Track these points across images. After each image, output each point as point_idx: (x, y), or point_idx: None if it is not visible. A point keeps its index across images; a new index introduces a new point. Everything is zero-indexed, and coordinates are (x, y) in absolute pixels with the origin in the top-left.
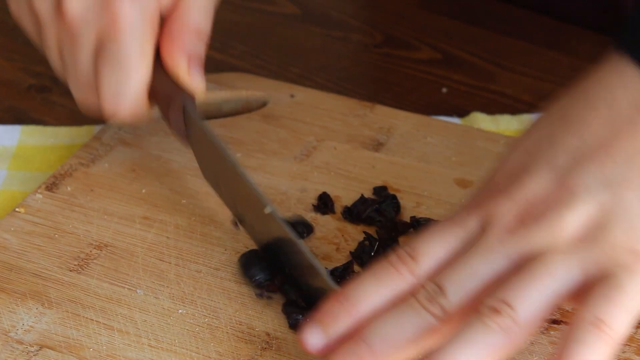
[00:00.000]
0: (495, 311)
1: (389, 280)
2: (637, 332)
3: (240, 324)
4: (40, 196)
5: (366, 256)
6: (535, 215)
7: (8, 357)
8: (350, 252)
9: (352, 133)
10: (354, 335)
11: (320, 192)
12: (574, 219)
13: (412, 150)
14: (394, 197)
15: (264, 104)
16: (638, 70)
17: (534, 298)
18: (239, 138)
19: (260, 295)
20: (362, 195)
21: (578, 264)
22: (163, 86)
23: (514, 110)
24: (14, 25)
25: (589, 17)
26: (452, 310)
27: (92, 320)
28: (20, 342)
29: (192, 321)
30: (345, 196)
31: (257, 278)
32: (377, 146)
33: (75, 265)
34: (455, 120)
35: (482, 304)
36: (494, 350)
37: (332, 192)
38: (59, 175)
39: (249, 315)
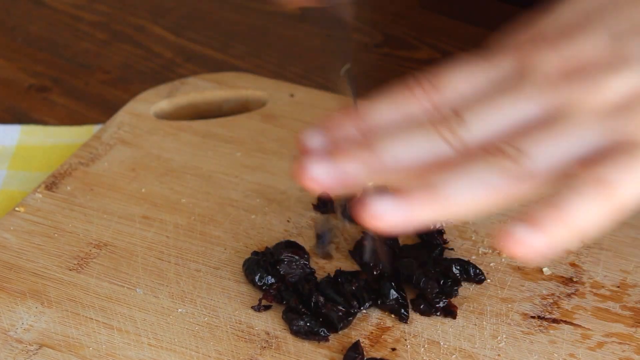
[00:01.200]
0: (504, 153)
1: (405, 103)
2: (636, 331)
3: (239, 323)
4: (40, 195)
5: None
6: (580, 73)
7: (7, 356)
8: (349, 251)
9: None
10: (358, 144)
11: (319, 192)
12: (618, 85)
13: None
14: None
15: (263, 104)
16: None
17: (549, 150)
18: (239, 137)
19: (257, 309)
20: None
21: (607, 129)
22: None
23: None
24: (14, 25)
25: None
26: (470, 143)
27: (92, 319)
28: (19, 341)
29: (191, 320)
30: (345, 196)
31: (262, 282)
32: None
33: (74, 264)
34: None
35: (492, 144)
36: (492, 191)
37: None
38: (59, 175)
39: (249, 314)
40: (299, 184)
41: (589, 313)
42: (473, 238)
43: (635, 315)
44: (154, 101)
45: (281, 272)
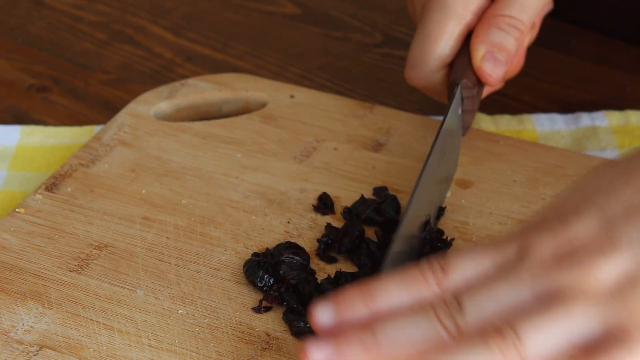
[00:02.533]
0: (501, 335)
1: (414, 285)
2: None
3: (240, 324)
4: (40, 196)
5: (364, 257)
6: (572, 257)
7: (8, 357)
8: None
9: (351, 133)
10: (362, 327)
11: (320, 193)
12: (608, 270)
13: (412, 151)
14: (394, 197)
15: (263, 105)
16: None
17: (544, 335)
18: (239, 138)
19: (257, 310)
20: (362, 195)
21: (600, 315)
22: (461, 64)
23: (514, 110)
24: (14, 25)
25: (590, 18)
26: (465, 329)
27: (92, 320)
28: (20, 342)
29: (192, 321)
30: (345, 196)
31: (263, 283)
32: (377, 147)
33: (75, 265)
34: None
35: (490, 324)
36: None
37: (332, 192)
38: (59, 176)
39: (249, 315)
40: None
41: None
42: (473, 239)
43: None
44: (154, 102)
45: (281, 273)
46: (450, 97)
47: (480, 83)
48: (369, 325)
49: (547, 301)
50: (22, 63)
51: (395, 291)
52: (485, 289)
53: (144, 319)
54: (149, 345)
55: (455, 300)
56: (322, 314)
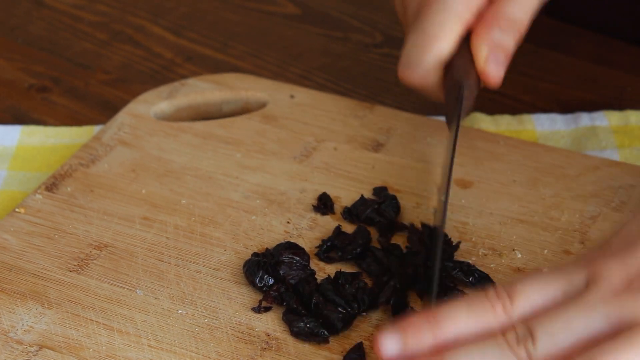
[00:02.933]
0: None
1: (481, 313)
2: None
3: (240, 325)
4: (40, 196)
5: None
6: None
7: (8, 358)
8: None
9: (351, 134)
10: (429, 356)
11: (320, 193)
12: None
13: (412, 151)
14: (394, 197)
15: (263, 105)
16: None
17: None
18: (239, 138)
19: (257, 310)
20: (362, 195)
21: None
22: (462, 64)
23: (514, 110)
24: (14, 25)
25: (590, 18)
26: (538, 359)
27: (92, 320)
28: (20, 343)
29: (191, 321)
30: (345, 196)
31: (262, 283)
32: (377, 147)
33: (75, 265)
34: None
35: (564, 356)
36: None
37: (332, 192)
38: (59, 176)
39: (249, 315)
40: None
41: None
42: (473, 239)
43: None
44: (154, 102)
45: (281, 274)
46: (453, 98)
47: (479, 83)
48: (438, 354)
49: (622, 330)
50: (22, 63)
51: (462, 319)
52: (556, 317)
53: (143, 319)
54: (148, 346)
55: (526, 329)
56: (389, 343)
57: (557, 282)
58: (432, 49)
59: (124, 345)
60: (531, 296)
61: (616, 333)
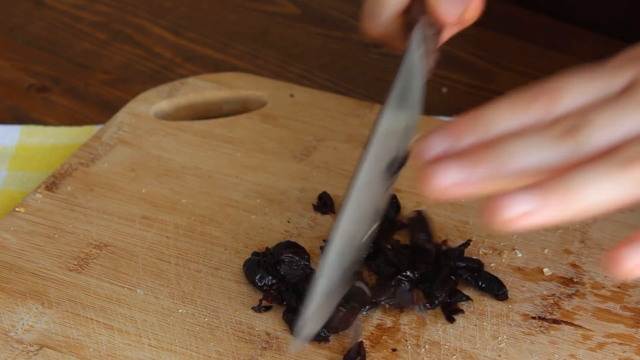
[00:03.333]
0: (575, 127)
1: (526, 108)
2: (637, 332)
3: (240, 324)
4: (40, 196)
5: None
6: None
7: (8, 357)
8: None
9: (351, 133)
10: (483, 147)
11: (320, 192)
12: None
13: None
14: (394, 196)
15: (263, 104)
16: None
17: (623, 124)
18: (239, 137)
19: (257, 309)
20: None
21: None
22: (418, 7)
23: None
24: (14, 25)
25: (589, 17)
26: (591, 150)
27: (92, 319)
28: (20, 342)
29: (192, 321)
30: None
31: (262, 282)
32: None
33: (75, 264)
34: None
35: (624, 149)
36: (623, 199)
37: (332, 191)
38: (59, 175)
39: (249, 314)
40: (424, 191)
41: (590, 314)
42: (473, 238)
43: (635, 316)
44: (154, 101)
45: (282, 273)
46: (410, 37)
47: (439, 27)
48: (490, 149)
49: None
50: (22, 63)
51: (506, 115)
52: (605, 111)
53: (143, 319)
54: (148, 345)
55: (574, 121)
56: (435, 144)
57: (603, 80)
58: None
59: (124, 345)
60: (577, 93)
61: None
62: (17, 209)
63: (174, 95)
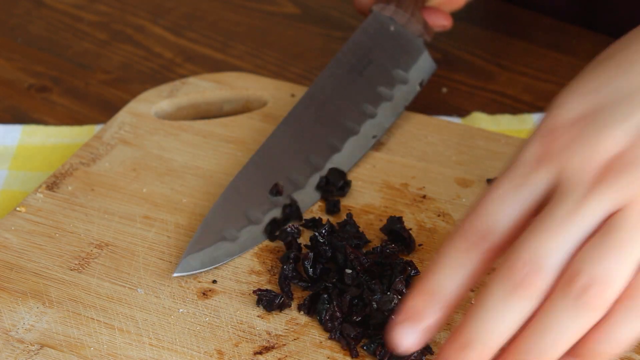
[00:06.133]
0: (587, 289)
1: (466, 264)
2: None
3: (241, 323)
4: (41, 195)
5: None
6: (618, 166)
7: (9, 356)
8: None
9: None
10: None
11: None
12: None
13: (413, 150)
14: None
15: (264, 104)
16: None
17: (626, 268)
18: (240, 137)
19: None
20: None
21: None
22: None
23: (514, 110)
24: (14, 25)
25: (589, 17)
26: (551, 281)
27: (93, 319)
28: (21, 341)
29: (192, 320)
30: (345, 196)
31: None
32: (378, 145)
33: (76, 264)
34: (455, 120)
35: (570, 282)
36: (583, 332)
37: None
38: (60, 175)
39: (250, 314)
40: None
41: None
42: None
43: None
44: (155, 101)
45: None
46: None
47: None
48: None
49: (610, 223)
50: (22, 63)
51: (454, 272)
52: (552, 235)
53: (144, 318)
54: (149, 344)
55: (530, 265)
56: (405, 339)
57: (523, 192)
58: None
59: (125, 344)
60: (501, 217)
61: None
62: (18, 209)
63: (175, 94)
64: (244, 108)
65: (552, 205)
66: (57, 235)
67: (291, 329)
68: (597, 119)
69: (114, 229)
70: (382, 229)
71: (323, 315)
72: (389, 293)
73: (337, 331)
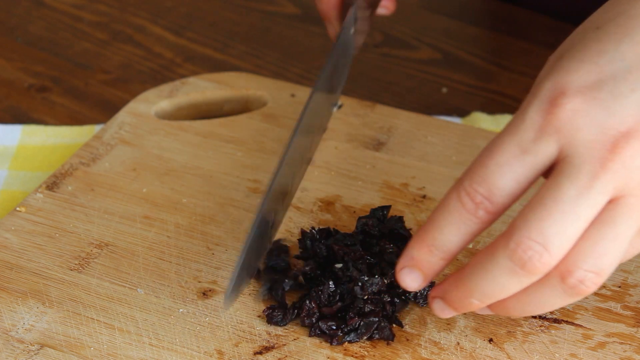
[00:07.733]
0: (581, 282)
1: (466, 223)
2: (638, 331)
3: (241, 323)
4: (41, 195)
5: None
6: (625, 142)
7: (9, 356)
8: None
9: (352, 132)
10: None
11: (320, 191)
12: None
13: (413, 150)
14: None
15: (264, 104)
16: None
17: (616, 254)
18: (240, 137)
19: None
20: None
21: None
22: None
23: (514, 110)
24: (14, 25)
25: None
26: (554, 264)
27: (93, 319)
28: (21, 341)
29: (193, 320)
30: (345, 196)
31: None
32: (378, 146)
33: (76, 264)
34: (455, 120)
35: (569, 270)
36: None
37: (333, 191)
38: (60, 175)
39: (250, 314)
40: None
41: (590, 313)
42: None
43: (636, 315)
44: (155, 101)
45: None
46: (344, 17)
47: (373, 4)
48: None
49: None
50: (22, 63)
51: (452, 232)
52: (558, 214)
53: (144, 318)
54: (149, 344)
55: (534, 242)
56: (412, 281)
57: (525, 161)
58: None
59: (125, 344)
60: (506, 187)
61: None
62: (18, 209)
63: (175, 94)
64: (244, 108)
65: (560, 181)
66: (57, 235)
67: (291, 329)
68: (604, 90)
69: (114, 229)
70: (362, 218)
71: (301, 315)
72: (376, 276)
73: (315, 329)
